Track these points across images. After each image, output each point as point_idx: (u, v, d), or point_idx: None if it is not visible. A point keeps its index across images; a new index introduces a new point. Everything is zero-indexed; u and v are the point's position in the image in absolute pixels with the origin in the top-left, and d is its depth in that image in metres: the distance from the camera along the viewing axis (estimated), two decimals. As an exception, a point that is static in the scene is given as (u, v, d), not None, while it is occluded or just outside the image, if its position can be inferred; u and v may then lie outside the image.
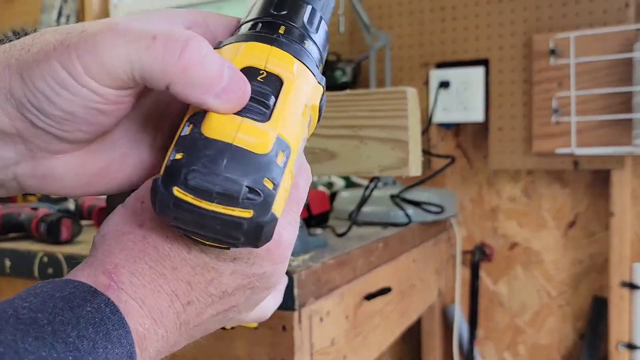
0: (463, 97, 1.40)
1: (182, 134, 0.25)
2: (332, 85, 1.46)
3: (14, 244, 0.89)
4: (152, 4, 1.92)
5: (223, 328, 0.39)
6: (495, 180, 1.46)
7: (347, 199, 1.22)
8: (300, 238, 0.76)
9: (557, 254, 1.39)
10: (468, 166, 1.49)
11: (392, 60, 1.47)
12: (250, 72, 0.26)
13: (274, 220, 0.25)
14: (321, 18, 0.31)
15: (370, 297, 0.88)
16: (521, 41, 1.36)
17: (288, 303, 0.67)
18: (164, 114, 0.33)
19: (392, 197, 1.16)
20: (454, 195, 1.36)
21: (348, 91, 0.75)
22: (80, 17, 1.92)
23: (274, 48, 0.27)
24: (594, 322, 1.33)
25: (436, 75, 1.43)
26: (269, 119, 0.25)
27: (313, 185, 1.42)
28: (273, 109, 0.26)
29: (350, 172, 0.75)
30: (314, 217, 1.02)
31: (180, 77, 0.25)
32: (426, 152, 1.38)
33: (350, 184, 1.45)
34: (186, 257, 0.28)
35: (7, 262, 0.85)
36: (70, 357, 0.22)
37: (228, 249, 0.28)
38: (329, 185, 1.44)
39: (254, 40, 0.28)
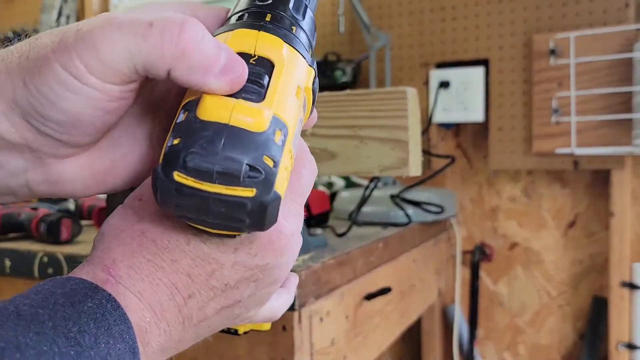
0: (463, 97, 1.40)
1: (178, 121, 0.25)
2: (332, 85, 1.46)
3: (14, 244, 0.89)
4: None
5: (236, 333, 0.38)
6: (495, 180, 1.46)
7: (347, 199, 1.22)
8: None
9: (557, 254, 1.39)
10: (468, 166, 1.49)
11: (392, 60, 1.47)
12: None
13: (278, 198, 0.25)
14: (306, 6, 0.31)
15: (370, 297, 0.88)
16: (521, 41, 1.36)
17: (288, 303, 0.67)
18: (161, 106, 0.33)
19: (392, 197, 1.16)
20: (454, 195, 1.36)
21: (348, 91, 0.75)
22: (80, 17, 1.92)
23: (262, 32, 0.28)
24: (594, 322, 1.33)
25: (436, 75, 1.43)
26: (263, 99, 0.25)
27: (313, 185, 1.42)
28: (266, 90, 0.26)
29: (350, 172, 0.75)
30: (314, 217, 1.02)
31: (180, 61, 0.25)
32: (426, 152, 1.38)
33: (350, 184, 1.45)
34: (185, 248, 0.28)
35: (7, 262, 0.85)
36: (72, 352, 0.22)
37: (234, 236, 0.28)
38: (329, 185, 1.44)
39: (241, 28, 0.28)
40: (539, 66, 1.30)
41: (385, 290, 0.92)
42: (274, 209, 0.25)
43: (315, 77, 0.30)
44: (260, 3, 0.29)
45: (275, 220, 0.25)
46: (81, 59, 0.25)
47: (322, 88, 1.16)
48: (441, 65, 1.46)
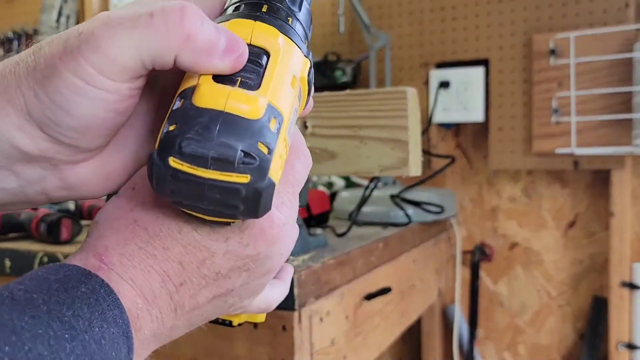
0: (463, 97, 1.40)
1: (174, 108, 0.25)
2: (332, 85, 1.46)
3: (14, 244, 0.89)
4: (152, 4, 1.92)
5: (231, 325, 0.38)
6: (495, 180, 1.46)
7: (347, 199, 1.23)
8: (300, 238, 0.76)
9: (557, 254, 1.39)
10: (468, 166, 1.49)
11: (392, 60, 1.47)
12: None
13: (272, 185, 0.25)
14: None
15: (370, 297, 0.88)
16: (521, 41, 1.36)
17: (288, 303, 0.67)
18: (162, 102, 0.33)
19: (392, 197, 1.16)
20: (454, 195, 1.36)
21: (348, 91, 0.75)
22: (80, 17, 1.92)
23: (258, 22, 0.28)
24: (594, 322, 1.33)
25: (436, 75, 1.43)
26: (258, 87, 0.26)
27: (313, 185, 1.42)
28: (262, 78, 0.26)
29: (350, 172, 0.75)
30: (314, 217, 1.02)
31: (185, 45, 0.25)
32: (426, 152, 1.38)
33: (350, 184, 1.45)
34: (177, 236, 0.28)
35: (7, 262, 0.85)
36: (67, 335, 0.22)
37: (229, 224, 0.28)
38: (329, 185, 1.44)
39: (237, 18, 0.28)
40: (539, 66, 1.30)
41: (385, 290, 0.92)
42: (268, 196, 0.25)
43: (311, 68, 0.31)
44: None
45: (270, 208, 0.26)
46: (89, 62, 0.25)
47: (322, 88, 1.16)
48: (441, 65, 1.46)
